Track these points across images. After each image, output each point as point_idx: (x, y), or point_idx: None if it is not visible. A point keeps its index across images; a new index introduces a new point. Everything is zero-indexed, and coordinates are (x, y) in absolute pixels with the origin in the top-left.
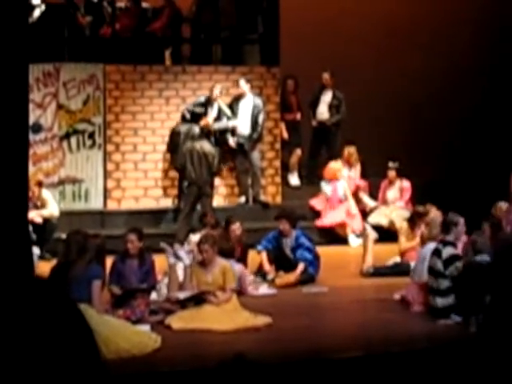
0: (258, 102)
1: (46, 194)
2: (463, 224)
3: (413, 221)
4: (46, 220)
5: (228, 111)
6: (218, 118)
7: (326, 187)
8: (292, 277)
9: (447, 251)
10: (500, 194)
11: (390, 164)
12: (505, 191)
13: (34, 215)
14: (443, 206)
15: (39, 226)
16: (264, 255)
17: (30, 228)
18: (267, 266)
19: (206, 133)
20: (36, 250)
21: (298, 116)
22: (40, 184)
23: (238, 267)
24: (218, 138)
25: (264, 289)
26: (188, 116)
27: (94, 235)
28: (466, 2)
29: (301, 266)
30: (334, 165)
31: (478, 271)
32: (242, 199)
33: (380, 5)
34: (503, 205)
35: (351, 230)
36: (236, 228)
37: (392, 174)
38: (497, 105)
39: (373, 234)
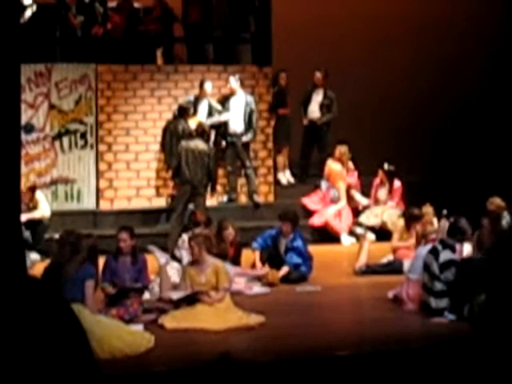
0: (250, 99)
1: (39, 195)
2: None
3: (407, 222)
4: (38, 221)
5: (218, 106)
6: (209, 115)
7: (322, 184)
8: (275, 277)
9: (445, 255)
10: (492, 191)
11: (385, 166)
12: (497, 188)
13: (24, 219)
14: (436, 204)
15: (32, 227)
16: (257, 254)
17: (26, 231)
18: (259, 265)
19: (200, 132)
20: (35, 255)
21: (288, 111)
22: (33, 189)
23: (231, 270)
24: (211, 136)
25: (257, 288)
26: (179, 114)
27: (86, 235)
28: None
29: (285, 269)
30: (335, 167)
31: (473, 268)
32: (225, 198)
33: (371, 4)
34: (497, 199)
35: (343, 229)
36: (229, 233)
37: (381, 174)
38: (490, 101)
39: (371, 236)
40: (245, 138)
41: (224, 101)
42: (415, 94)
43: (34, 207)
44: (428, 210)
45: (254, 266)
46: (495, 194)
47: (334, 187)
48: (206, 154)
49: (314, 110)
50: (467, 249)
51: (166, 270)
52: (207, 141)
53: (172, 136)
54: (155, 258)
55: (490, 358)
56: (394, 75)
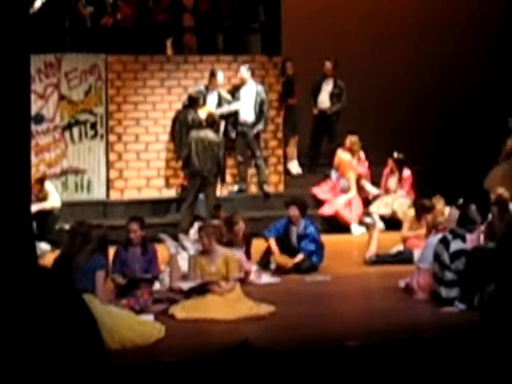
0: (261, 89)
1: (49, 185)
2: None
3: (418, 213)
4: (48, 211)
5: (228, 96)
6: (219, 105)
7: (333, 174)
8: (289, 262)
9: (455, 245)
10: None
11: (395, 154)
12: None
13: (35, 209)
14: (444, 193)
15: (42, 218)
16: (272, 241)
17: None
18: (277, 252)
19: (210, 122)
20: (45, 246)
21: (296, 101)
22: (42, 180)
23: (242, 255)
24: (221, 126)
25: (267, 278)
26: (189, 104)
27: (96, 226)
28: None
29: (300, 256)
30: (344, 157)
31: (483, 258)
32: (235, 188)
33: None
34: (499, 188)
35: (353, 218)
36: (240, 227)
37: (391, 163)
38: (492, 94)
39: (379, 224)
40: (256, 129)
41: (234, 91)
42: (421, 86)
43: (44, 198)
44: (439, 200)
45: (265, 255)
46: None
47: (344, 177)
48: (215, 144)
49: (324, 100)
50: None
51: (176, 259)
52: (217, 131)
53: (182, 126)
54: (166, 248)
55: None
56: (400, 67)
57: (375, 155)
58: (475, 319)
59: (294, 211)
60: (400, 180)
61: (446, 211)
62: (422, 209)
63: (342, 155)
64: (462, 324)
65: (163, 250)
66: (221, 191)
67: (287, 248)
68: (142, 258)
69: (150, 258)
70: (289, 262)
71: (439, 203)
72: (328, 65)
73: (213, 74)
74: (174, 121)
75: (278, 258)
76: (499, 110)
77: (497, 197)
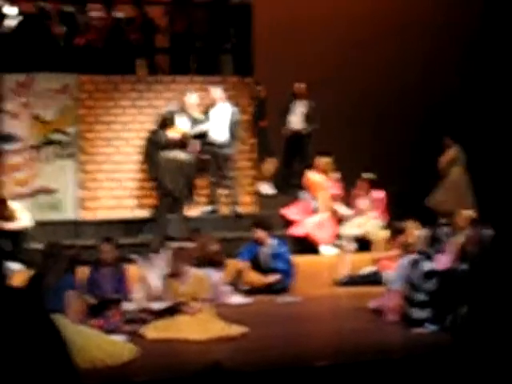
0: (235, 110)
1: (16, 205)
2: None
3: (390, 235)
4: (19, 231)
5: (200, 116)
6: (190, 125)
7: (302, 195)
8: (259, 280)
9: (425, 266)
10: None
11: (364, 175)
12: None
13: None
14: (418, 214)
15: (12, 237)
16: (247, 264)
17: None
18: (251, 272)
19: (181, 142)
20: (16, 265)
21: (267, 123)
22: (1, 201)
23: (214, 275)
24: (193, 147)
25: (238, 298)
26: (161, 125)
27: (69, 246)
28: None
29: (275, 277)
30: (314, 177)
31: (456, 279)
32: (208, 208)
33: (353, 13)
34: (465, 212)
35: (324, 239)
36: (214, 249)
37: (360, 183)
38: (468, 111)
39: (351, 244)
40: (229, 151)
41: (206, 111)
42: (394, 106)
43: (11, 218)
44: (412, 223)
45: (237, 276)
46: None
47: (315, 198)
48: (186, 165)
49: (297, 121)
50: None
51: (146, 279)
52: (188, 151)
53: (153, 146)
54: (138, 267)
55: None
56: (373, 87)
57: (350, 176)
58: (445, 340)
59: (258, 234)
60: (372, 201)
61: (417, 232)
62: (394, 231)
63: (312, 176)
64: (432, 345)
65: (135, 269)
66: (193, 212)
67: (258, 269)
68: (112, 278)
69: (121, 278)
70: (262, 279)
71: (413, 225)
72: (300, 86)
73: (184, 95)
74: (146, 141)
75: (252, 275)
76: (474, 129)
77: (469, 219)
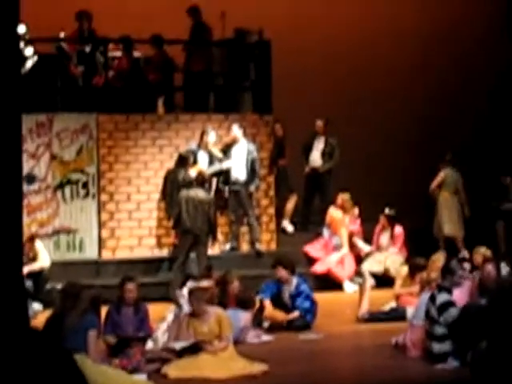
0: (252, 147)
1: (39, 245)
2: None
3: (411, 271)
4: (39, 271)
5: (219, 154)
6: (210, 163)
7: (325, 232)
8: (281, 316)
9: (441, 297)
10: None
11: (386, 210)
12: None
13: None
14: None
15: (33, 278)
16: (268, 303)
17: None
18: (271, 310)
19: (200, 181)
20: (37, 306)
21: (286, 161)
22: (32, 238)
23: (244, 316)
24: (212, 185)
25: (260, 336)
26: (179, 163)
27: (89, 286)
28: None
29: (295, 314)
30: (336, 214)
31: (475, 314)
32: (227, 246)
33: (372, 53)
34: (482, 249)
35: (345, 276)
36: (234, 286)
37: (383, 219)
38: (488, 144)
39: (370, 281)
40: (250, 189)
41: (226, 149)
42: (413, 141)
43: (34, 258)
44: (438, 257)
45: (258, 314)
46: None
47: (336, 234)
48: (206, 203)
49: (316, 159)
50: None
51: (179, 318)
52: (208, 189)
53: (173, 185)
54: (175, 304)
55: None
56: (391, 123)
57: (367, 212)
58: (468, 376)
59: (280, 272)
60: (392, 237)
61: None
62: (415, 267)
63: (333, 213)
64: (454, 381)
65: (155, 308)
66: (212, 249)
67: (280, 307)
68: (134, 317)
69: (142, 317)
70: (282, 316)
71: (439, 259)
72: (319, 123)
73: (204, 133)
74: (165, 180)
75: (272, 312)
76: (493, 161)
77: (486, 255)
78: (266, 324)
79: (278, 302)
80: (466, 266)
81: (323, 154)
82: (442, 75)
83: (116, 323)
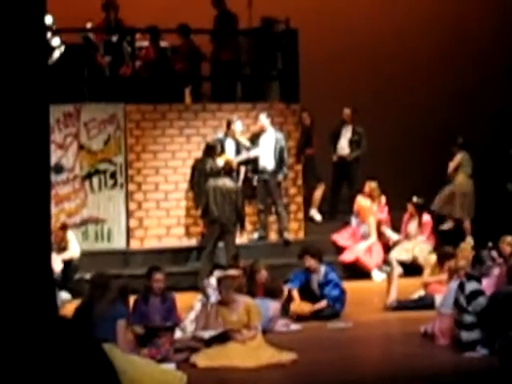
0: (280, 136)
1: (70, 235)
2: (493, 259)
3: (439, 259)
4: (68, 261)
5: (247, 143)
6: (237, 152)
7: (353, 221)
8: (307, 308)
9: (470, 286)
10: None
11: (414, 199)
12: None
13: (55, 260)
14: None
15: (62, 267)
16: (295, 293)
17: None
18: (298, 301)
19: (228, 170)
20: (66, 295)
21: (314, 150)
22: (64, 227)
23: (273, 305)
24: (240, 174)
25: (289, 325)
26: (206, 152)
27: (117, 276)
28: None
29: (322, 303)
30: (364, 203)
31: (504, 302)
32: (255, 235)
33: (398, 40)
34: (509, 238)
35: (374, 264)
36: (262, 275)
37: (411, 208)
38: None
39: (398, 269)
40: (279, 178)
41: (254, 138)
42: (439, 127)
43: (65, 247)
44: (467, 245)
45: (286, 303)
46: None
47: (364, 223)
48: (233, 192)
49: (344, 147)
50: None
51: (207, 307)
52: (236, 178)
53: (200, 174)
54: (203, 294)
55: None
56: (419, 109)
57: (394, 200)
58: (496, 364)
59: (308, 262)
60: (420, 225)
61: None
62: (443, 255)
63: (361, 201)
64: (483, 369)
65: (183, 297)
66: (240, 239)
67: (309, 296)
68: (161, 307)
69: (170, 306)
70: (306, 308)
71: (467, 248)
72: (347, 111)
73: (230, 122)
74: (193, 169)
75: (298, 306)
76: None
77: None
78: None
79: (306, 291)
80: (495, 255)
81: (351, 143)
82: (459, 72)
83: (143, 313)
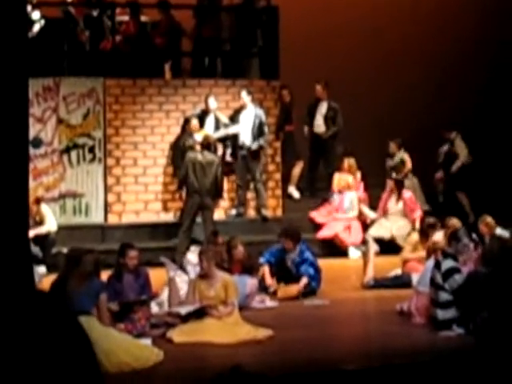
0: (260, 112)
1: (45, 208)
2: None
3: (424, 232)
4: (45, 235)
5: (225, 119)
6: (216, 128)
7: (335, 197)
8: (294, 289)
9: (446, 264)
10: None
11: (393, 175)
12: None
13: (32, 235)
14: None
15: (39, 241)
16: (266, 269)
17: (34, 245)
18: (269, 280)
19: (206, 145)
20: (42, 269)
21: (293, 127)
22: (38, 201)
23: (250, 282)
24: (219, 150)
25: (265, 302)
26: (186, 128)
27: (89, 250)
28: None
29: (304, 280)
30: (345, 178)
31: (478, 282)
32: (233, 212)
33: (378, 18)
34: (488, 218)
35: (351, 242)
36: (238, 251)
37: (391, 183)
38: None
39: (374, 247)
40: (254, 146)
41: (234, 114)
42: (419, 104)
43: (41, 221)
44: (454, 222)
45: (262, 280)
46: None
47: (343, 199)
48: (213, 164)
49: (320, 124)
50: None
51: (175, 282)
52: (214, 154)
53: (179, 150)
54: (165, 270)
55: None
56: (400, 86)
57: (375, 178)
58: (472, 343)
59: (288, 244)
60: (398, 200)
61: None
62: (428, 226)
63: (342, 177)
64: (458, 348)
65: (159, 273)
66: (218, 213)
67: (282, 273)
68: (135, 283)
69: (144, 282)
70: (293, 290)
71: (453, 225)
72: (318, 87)
73: (206, 99)
74: (172, 145)
75: (283, 292)
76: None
77: (491, 224)
78: (271, 289)
79: (281, 270)
80: (474, 236)
81: (326, 119)
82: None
83: (117, 290)
